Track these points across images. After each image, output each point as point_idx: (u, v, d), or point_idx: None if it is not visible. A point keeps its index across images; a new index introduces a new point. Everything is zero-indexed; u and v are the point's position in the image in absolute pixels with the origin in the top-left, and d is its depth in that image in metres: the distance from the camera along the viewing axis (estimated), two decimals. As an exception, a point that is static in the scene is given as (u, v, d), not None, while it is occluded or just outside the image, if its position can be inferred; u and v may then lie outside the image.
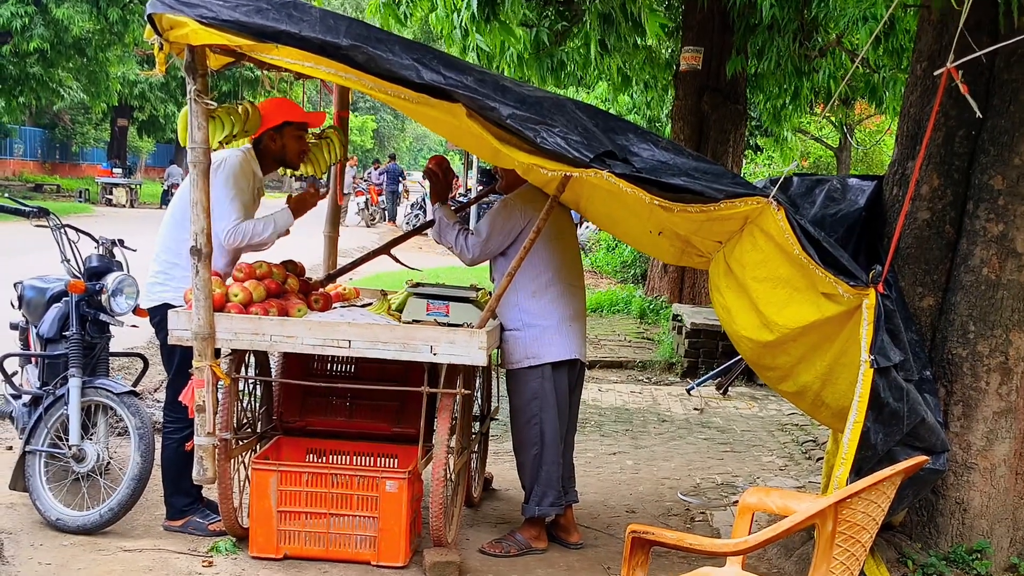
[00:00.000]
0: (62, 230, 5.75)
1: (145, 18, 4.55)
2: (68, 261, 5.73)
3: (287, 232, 5.43)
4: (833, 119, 22.83)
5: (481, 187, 20.68)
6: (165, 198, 34.77)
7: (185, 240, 4.87)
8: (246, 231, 5.20)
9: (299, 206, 5.48)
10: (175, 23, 4.45)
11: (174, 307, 5.06)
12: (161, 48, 4.58)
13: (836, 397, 4.69)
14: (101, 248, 5.90)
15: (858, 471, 4.28)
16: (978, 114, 4.37)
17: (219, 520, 5.27)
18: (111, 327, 5.80)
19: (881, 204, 5.43)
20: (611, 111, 17.98)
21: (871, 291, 4.24)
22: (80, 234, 5.91)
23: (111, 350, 6.02)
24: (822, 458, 6.73)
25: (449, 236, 5.46)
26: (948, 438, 4.88)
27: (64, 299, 5.73)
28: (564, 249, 5.50)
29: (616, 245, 19.48)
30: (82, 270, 5.73)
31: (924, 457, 3.37)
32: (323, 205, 6.26)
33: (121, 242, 6.01)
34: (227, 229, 5.14)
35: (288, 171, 5.78)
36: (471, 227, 5.51)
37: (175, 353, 5.17)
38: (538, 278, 5.35)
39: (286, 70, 5.46)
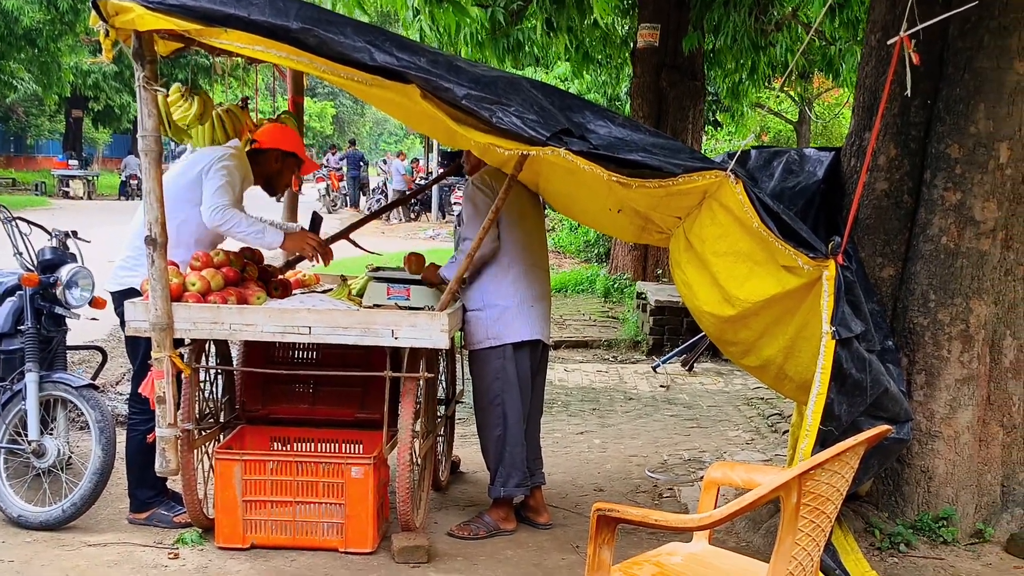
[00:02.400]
0: (13, 223, 5.66)
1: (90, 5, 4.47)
2: (20, 254, 5.63)
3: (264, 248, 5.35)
4: (792, 93, 22.91)
5: (441, 169, 20.62)
6: (123, 189, 34.42)
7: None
8: (234, 218, 5.07)
9: (293, 242, 5.35)
10: (120, 8, 4.37)
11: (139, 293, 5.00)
12: (107, 35, 4.50)
13: (799, 370, 4.70)
14: (54, 240, 5.80)
15: (823, 443, 4.28)
16: (907, 91, 4.38)
17: (184, 512, 5.21)
18: (67, 320, 5.71)
19: (839, 176, 5.45)
20: (570, 91, 17.96)
21: (831, 262, 4.24)
22: (32, 226, 5.81)
23: (69, 343, 5.93)
24: (788, 431, 6.76)
25: (461, 266, 5.13)
26: (912, 407, 4.92)
27: (18, 293, 5.63)
28: (528, 230, 5.46)
29: (579, 224, 19.47)
30: (35, 263, 5.64)
31: (887, 426, 3.37)
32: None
33: (75, 234, 5.91)
34: (216, 206, 5.04)
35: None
36: (456, 235, 5.46)
37: (139, 343, 5.10)
38: (499, 260, 5.31)
39: (237, 55, 5.39)
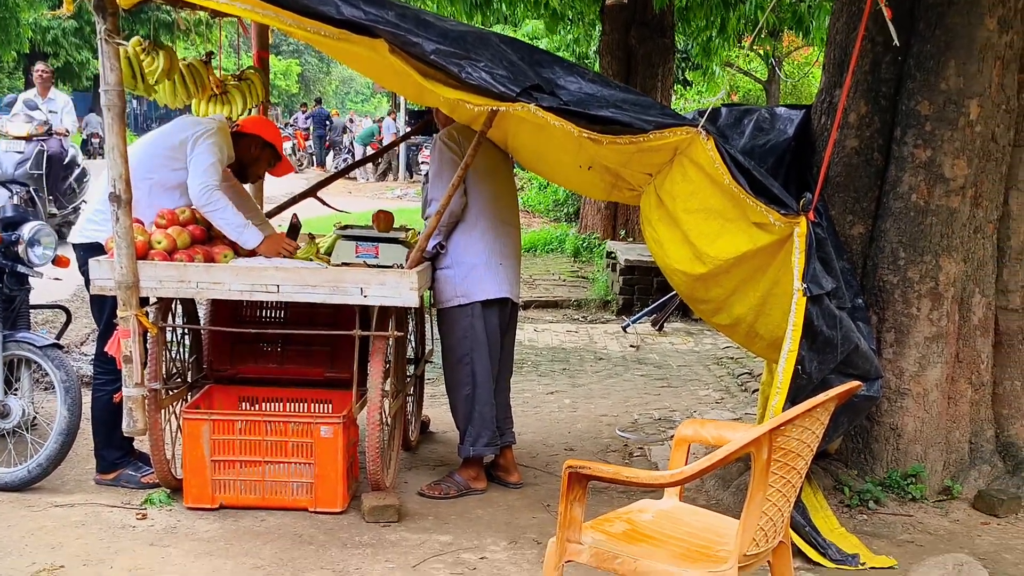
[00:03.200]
0: (-27, 181, 5.56)
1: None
2: (-20, 213, 5.54)
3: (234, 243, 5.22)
4: (761, 52, 22.87)
5: (408, 128, 20.46)
6: (84, 147, 33.91)
7: (137, 186, 4.78)
8: (222, 203, 4.98)
9: (270, 246, 5.14)
10: (82, -40, 4.28)
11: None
12: (68, -14, 4.41)
13: (770, 328, 4.71)
14: (16, 197, 5.71)
15: (793, 400, 4.30)
16: (895, 41, 4.36)
17: (152, 472, 5.17)
18: (30, 280, 5.63)
19: (810, 133, 5.43)
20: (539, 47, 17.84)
21: (802, 219, 4.24)
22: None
23: (32, 303, 5.85)
24: (758, 390, 6.79)
25: (430, 225, 5.12)
26: (881, 365, 4.93)
27: (-21, 252, 5.55)
28: (497, 187, 5.42)
29: (548, 183, 19.42)
30: (-4, 221, 5.55)
31: (857, 383, 3.37)
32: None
33: (36, 191, 5.82)
34: (208, 185, 4.96)
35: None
36: (423, 193, 5.44)
37: (105, 302, 5.03)
38: (467, 216, 5.27)
39: (200, 8, 5.27)
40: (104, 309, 5.07)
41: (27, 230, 5.44)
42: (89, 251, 5.06)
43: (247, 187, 5.86)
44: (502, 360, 5.54)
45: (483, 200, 5.30)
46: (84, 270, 5.08)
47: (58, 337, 5.95)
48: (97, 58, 4.66)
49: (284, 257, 5.13)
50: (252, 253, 5.22)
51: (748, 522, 3.05)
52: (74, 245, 5.25)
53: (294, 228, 5.74)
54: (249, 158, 5.53)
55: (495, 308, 5.35)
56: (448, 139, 5.30)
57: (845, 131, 5.22)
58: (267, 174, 5.87)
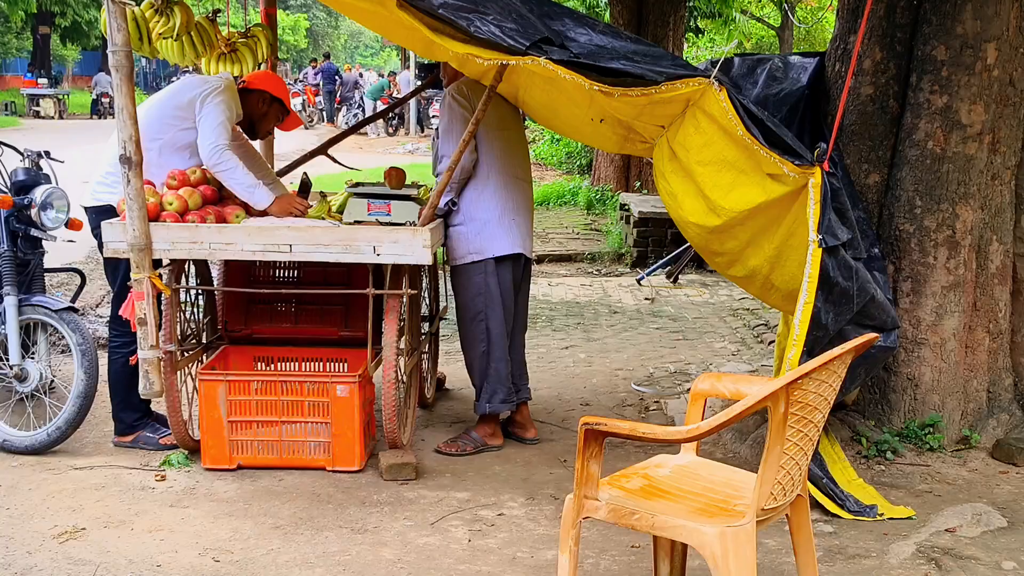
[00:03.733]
0: (-17, 144, 5.55)
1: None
2: (-8, 176, 5.53)
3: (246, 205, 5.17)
4: (773, -2, 22.60)
5: (419, 82, 20.37)
6: (95, 107, 33.90)
7: (147, 147, 4.76)
8: (230, 162, 4.95)
9: (281, 207, 5.12)
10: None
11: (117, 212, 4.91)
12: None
13: (785, 279, 4.68)
14: (27, 161, 5.69)
15: (810, 352, 4.28)
16: None
17: (170, 434, 5.19)
18: (44, 243, 5.63)
19: (823, 82, 5.37)
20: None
21: (816, 169, 4.20)
22: (4, 147, 5.70)
23: (46, 266, 5.85)
24: (774, 341, 6.77)
25: (441, 182, 5.11)
26: (898, 315, 4.90)
27: (-8, 216, 5.55)
28: (508, 141, 5.38)
29: (561, 136, 19.32)
30: (8, 185, 5.54)
31: (874, 335, 3.35)
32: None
33: (47, 154, 5.80)
34: (218, 145, 4.93)
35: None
36: (433, 148, 5.44)
37: (119, 265, 5.03)
38: (479, 171, 5.24)
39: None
40: (118, 272, 5.07)
41: (39, 193, 5.42)
42: (100, 213, 5.06)
43: (256, 145, 5.84)
44: (516, 316, 5.53)
45: (494, 155, 5.27)
46: (96, 232, 5.07)
47: (73, 300, 5.96)
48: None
49: (296, 216, 5.12)
50: (264, 213, 5.20)
51: (765, 476, 3.04)
52: (85, 208, 5.24)
53: (305, 186, 5.72)
54: (258, 114, 5.50)
55: (508, 264, 5.33)
56: (457, 94, 5.26)
57: (860, 78, 5.15)
58: (277, 129, 5.84)
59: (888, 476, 4.92)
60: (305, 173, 5.86)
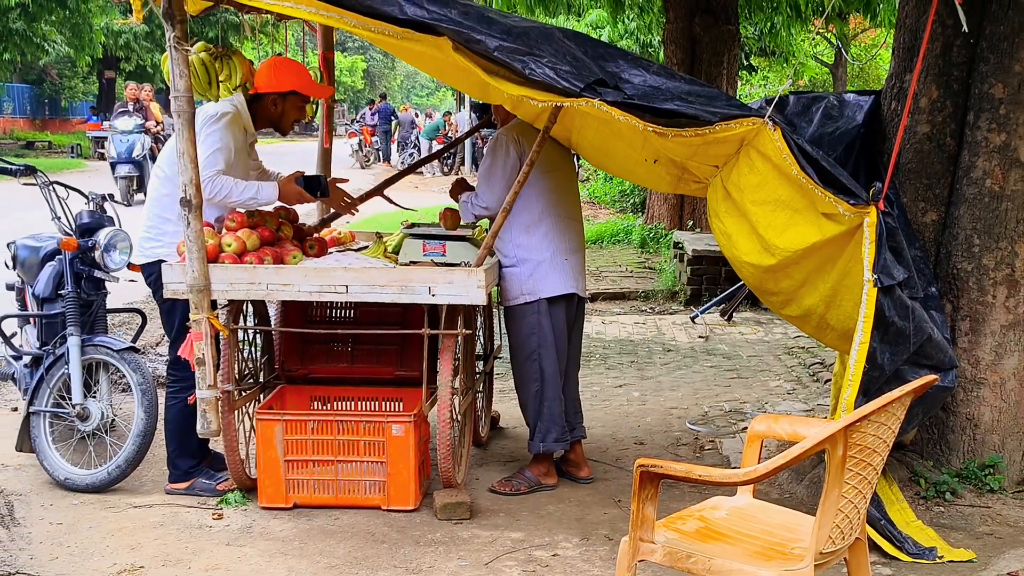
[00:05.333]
0: (50, 187, 5.67)
1: (118, -35, 4.43)
2: (59, 219, 5.65)
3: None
4: (828, 35, 22.57)
5: (475, 124, 20.56)
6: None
7: (174, 195, 4.79)
8: (225, 185, 4.98)
9: (288, 194, 5.24)
10: (150, -31, 4.34)
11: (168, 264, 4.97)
12: (137, -5, 4.48)
13: (841, 319, 4.64)
14: (91, 204, 5.81)
15: (866, 392, 4.25)
16: (964, 28, 4.27)
17: (226, 479, 5.22)
18: (107, 283, 5.74)
19: (880, 119, 5.34)
20: (602, 38, 17.78)
21: (872, 209, 4.18)
22: (69, 190, 5.83)
23: (108, 306, 5.96)
24: (830, 380, 6.71)
25: (465, 209, 5.40)
26: (956, 354, 4.85)
27: (58, 257, 5.67)
28: (558, 181, 5.41)
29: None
30: (74, 227, 5.66)
31: (933, 376, 3.32)
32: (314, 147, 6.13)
33: (111, 196, 5.93)
34: (206, 178, 4.92)
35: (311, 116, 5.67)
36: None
37: (174, 312, 5.08)
38: (531, 211, 5.26)
39: (267, 12, 5.33)
40: (174, 318, 5.12)
41: (103, 235, 5.54)
42: (151, 269, 5.10)
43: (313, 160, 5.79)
44: (570, 354, 5.54)
45: (545, 196, 5.30)
46: (150, 282, 5.15)
47: (134, 340, 6.06)
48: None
49: (301, 201, 5.24)
50: (320, 253, 5.26)
51: (824, 520, 3.02)
52: (138, 265, 5.28)
53: (317, 182, 5.63)
54: (275, 114, 5.38)
55: (561, 304, 5.35)
56: (507, 137, 5.30)
57: (916, 116, 5.12)
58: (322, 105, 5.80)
59: (947, 518, 4.85)
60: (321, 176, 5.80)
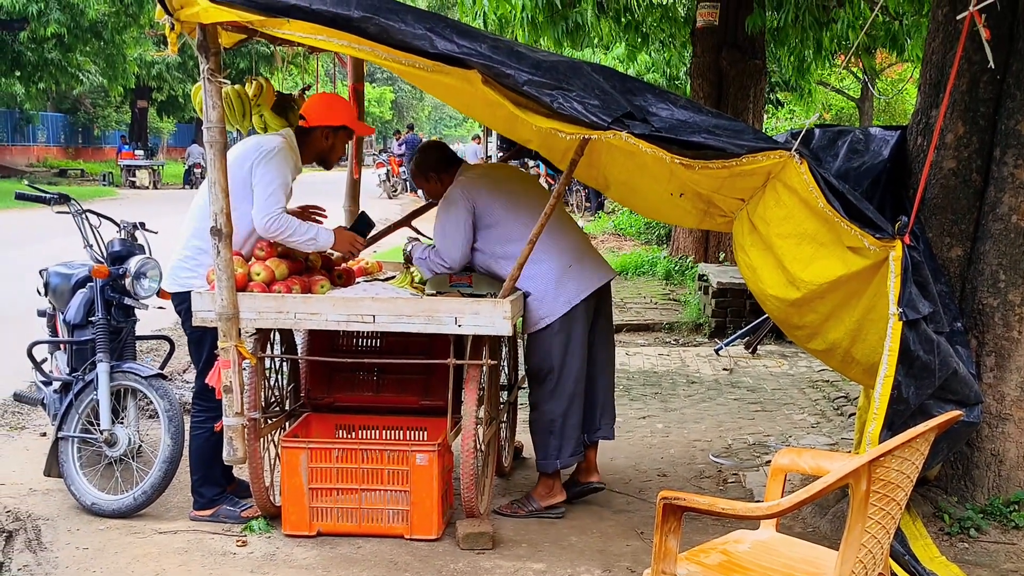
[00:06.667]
0: (83, 215, 5.76)
1: (156, -1, 4.52)
2: (91, 246, 5.73)
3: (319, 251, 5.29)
4: (855, 70, 22.58)
5: (501, 153, 20.61)
6: (187, 177, 34.94)
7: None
8: (289, 224, 5.01)
9: (341, 241, 5.26)
10: (186, 2, 4.42)
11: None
12: (172, 28, 4.55)
13: (866, 353, 4.64)
14: (123, 232, 5.89)
15: (890, 426, 4.24)
16: (991, 64, 4.29)
17: (251, 507, 5.25)
18: (136, 310, 5.80)
19: (906, 154, 5.35)
20: (629, 71, 17.85)
21: (897, 243, 4.19)
22: (101, 219, 5.91)
23: (137, 333, 6.02)
24: (854, 414, 6.68)
25: (423, 267, 5.38)
26: (981, 389, 4.83)
27: (89, 284, 5.75)
28: (528, 206, 5.33)
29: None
30: (105, 255, 5.73)
31: (958, 412, 3.32)
32: (342, 178, 6.19)
33: (142, 225, 6.01)
34: (271, 214, 4.97)
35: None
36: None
37: (203, 343, 5.10)
38: (514, 249, 5.13)
39: (299, 44, 5.41)
40: (202, 348, 5.14)
41: (134, 264, 5.61)
42: (183, 298, 5.10)
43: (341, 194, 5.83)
44: (597, 352, 5.53)
45: (524, 228, 5.12)
46: (180, 310, 5.19)
47: (162, 367, 6.12)
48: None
49: (354, 253, 5.26)
50: (348, 283, 5.31)
51: (847, 555, 3.02)
52: (170, 292, 5.29)
53: (364, 219, 5.73)
54: (325, 148, 5.44)
55: (582, 306, 5.30)
56: (459, 193, 5.34)
57: (942, 152, 5.13)
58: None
59: (972, 554, 4.82)
60: (364, 212, 5.89)
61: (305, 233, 5.08)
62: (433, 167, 5.63)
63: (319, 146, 5.42)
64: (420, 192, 24.83)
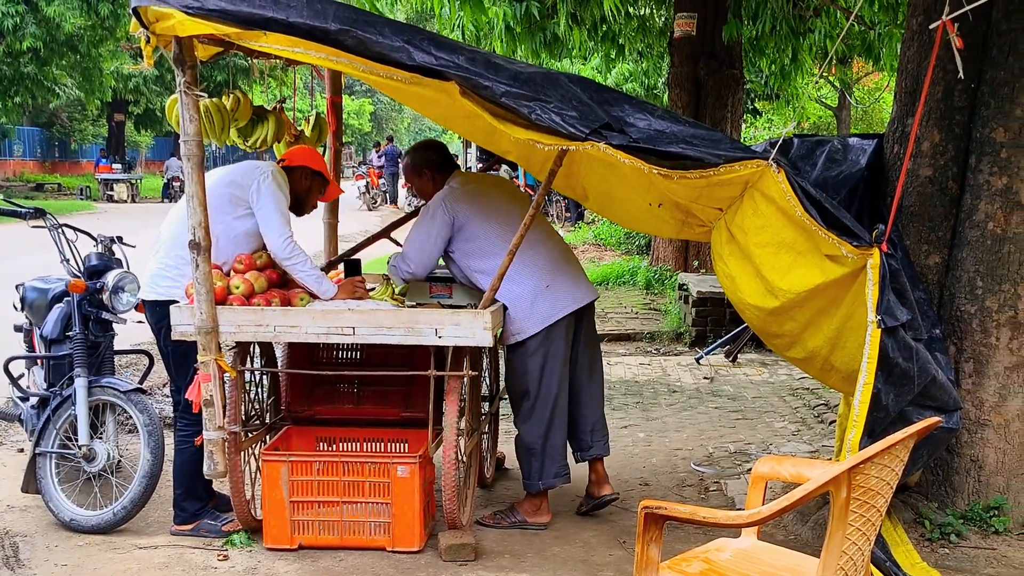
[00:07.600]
0: (59, 230, 5.72)
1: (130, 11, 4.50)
2: (67, 261, 5.70)
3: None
4: (832, 79, 22.71)
5: (481, 164, 20.61)
6: (165, 191, 34.82)
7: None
8: (301, 256, 5.06)
9: (344, 291, 5.26)
10: (161, 15, 4.40)
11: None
12: (148, 41, 4.53)
13: (845, 360, 4.66)
14: (100, 246, 5.87)
15: (871, 433, 4.25)
16: (961, 74, 4.33)
17: (231, 521, 5.23)
18: (114, 325, 5.77)
19: (883, 163, 5.38)
20: (607, 81, 17.91)
21: (875, 251, 4.21)
22: (78, 233, 5.88)
23: (115, 348, 5.99)
24: (835, 421, 6.70)
25: (393, 272, 5.44)
26: (960, 396, 4.85)
27: (66, 299, 5.71)
28: (504, 219, 5.35)
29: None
30: (82, 269, 5.70)
31: (937, 419, 3.33)
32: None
33: (120, 239, 5.99)
34: (286, 238, 5.02)
35: None
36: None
37: (188, 356, 4.99)
38: (492, 260, 5.18)
39: (276, 57, 5.41)
40: (188, 363, 5.02)
41: (111, 278, 5.58)
42: (163, 307, 5.05)
43: (320, 227, 5.90)
44: (580, 371, 5.53)
45: (500, 241, 5.20)
46: (154, 321, 5.16)
47: (141, 381, 6.10)
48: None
49: (359, 298, 5.20)
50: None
51: (828, 562, 3.02)
52: (147, 301, 5.25)
53: (354, 265, 5.77)
54: (303, 190, 5.49)
55: (559, 325, 5.31)
56: (443, 204, 5.35)
57: (918, 160, 5.16)
58: (321, 202, 5.93)
59: (952, 559, 4.84)
60: (355, 259, 5.91)
61: (313, 270, 5.12)
62: (430, 165, 5.62)
63: (298, 186, 5.45)
64: (399, 203, 24.65)
